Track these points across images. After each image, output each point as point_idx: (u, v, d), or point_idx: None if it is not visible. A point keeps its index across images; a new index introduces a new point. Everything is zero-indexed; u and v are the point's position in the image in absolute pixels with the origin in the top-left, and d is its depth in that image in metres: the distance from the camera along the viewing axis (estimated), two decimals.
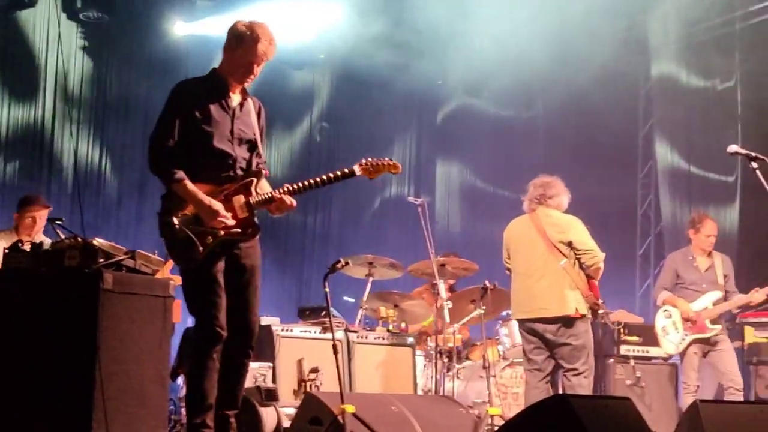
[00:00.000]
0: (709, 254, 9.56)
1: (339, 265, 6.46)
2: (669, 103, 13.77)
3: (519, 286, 8.17)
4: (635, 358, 10.11)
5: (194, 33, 12.93)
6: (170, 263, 6.69)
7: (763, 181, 6.75)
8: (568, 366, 7.88)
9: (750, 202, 12.31)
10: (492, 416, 8.24)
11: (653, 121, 14.45)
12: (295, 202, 5.74)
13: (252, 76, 5.79)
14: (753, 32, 13.36)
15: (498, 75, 14.32)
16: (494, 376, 9.01)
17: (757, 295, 9.17)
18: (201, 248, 5.50)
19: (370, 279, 9.30)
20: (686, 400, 9.22)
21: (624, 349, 10.09)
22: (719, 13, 13.03)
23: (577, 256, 7.92)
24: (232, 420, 5.74)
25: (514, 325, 9.80)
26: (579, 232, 7.98)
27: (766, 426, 5.12)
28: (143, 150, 5.82)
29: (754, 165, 6.99)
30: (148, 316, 5.66)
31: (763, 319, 10.13)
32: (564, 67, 15.41)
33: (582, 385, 7.81)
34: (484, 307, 9.11)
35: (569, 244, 7.92)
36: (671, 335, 9.44)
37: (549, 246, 7.93)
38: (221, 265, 5.62)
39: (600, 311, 8.23)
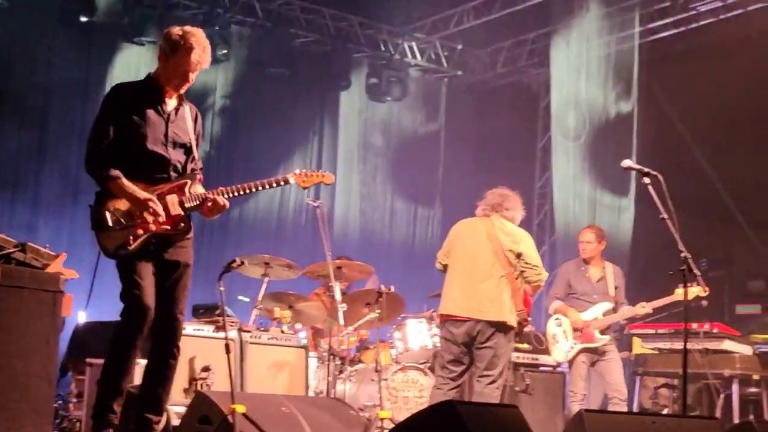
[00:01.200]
0: (602, 265, 9.66)
1: (234, 265, 6.44)
2: (567, 115, 13.98)
3: (455, 282, 8.07)
4: (525, 365, 10.22)
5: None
6: (63, 257, 6.60)
7: (655, 196, 6.89)
8: (486, 372, 7.83)
9: (643, 216, 12.59)
10: (382, 419, 8.27)
11: (551, 133, 14.65)
12: (228, 203, 5.83)
13: (187, 84, 5.82)
14: (651, 50, 13.71)
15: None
16: (386, 380, 9.05)
17: (642, 310, 9.29)
18: (132, 239, 5.56)
19: (266, 279, 9.25)
20: (573, 408, 9.34)
21: (514, 356, 10.16)
22: (619, 30, 13.32)
23: (523, 269, 7.95)
24: (156, 426, 5.73)
25: (408, 329, 9.87)
26: (530, 247, 8.05)
27: None
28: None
29: (647, 180, 7.14)
30: (36, 311, 5.58)
31: (650, 331, 10.29)
32: (466, 76, 15.64)
33: (492, 394, 7.80)
34: (378, 311, 9.11)
35: (518, 256, 7.94)
36: (561, 343, 9.54)
37: (498, 252, 7.94)
38: (153, 261, 5.68)
39: (526, 329, 8.33)
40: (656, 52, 13.90)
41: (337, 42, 14.66)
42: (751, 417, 10.32)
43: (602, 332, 9.39)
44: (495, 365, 7.82)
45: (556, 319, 9.65)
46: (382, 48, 15.19)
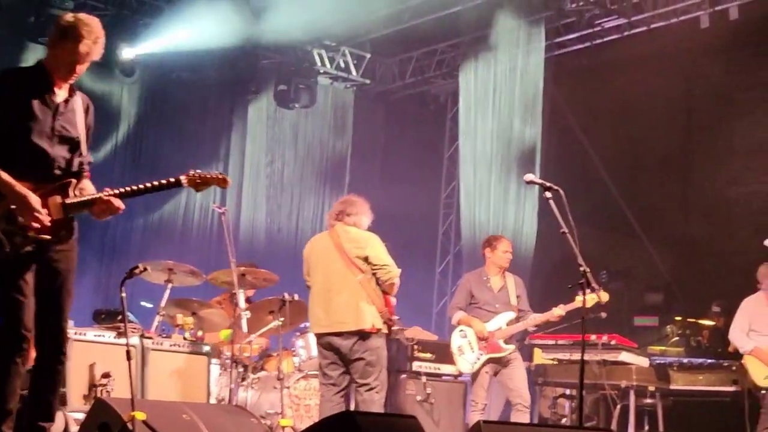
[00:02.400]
0: (503, 275, 9.73)
1: (137, 271, 6.38)
2: (474, 126, 14.12)
3: (317, 301, 8.19)
4: (427, 374, 10.29)
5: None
6: None
7: (556, 210, 7.00)
8: (361, 381, 7.93)
9: (545, 229, 12.77)
10: (284, 428, 8.32)
11: (459, 143, 14.77)
12: (122, 205, 5.51)
13: (75, 75, 5.52)
14: (557, 64, 13.93)
15: None
16: (288, 388, 9.06)
17: (558, 311, 9.29)
18: (8, 248, 5.25)
19: (169, 285, 9.18)
20: (473, 417, 9.38)
21: (416, 366, 10.25)
22: (526, 43, 13.51)
23: (373, 271, 8.00)
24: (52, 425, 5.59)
25: (311, 337, 9.87)
26: (375, 248, 8.08)
27: None
28: None
29: (548, 195, 7.26)
30: None
31: (550, 342, 10.45)
32: (374, 86, 15.71)
33: (373, 400, 7.87)
34: (282, 319, 9.13)
35: (366, 259, 8.00)
36: (467, 355, 9.54)
37: (346, 261, 8.01)
38: (33, 266, 5.39)
39: (394, 327, 8.37)
40: (562, 66, 14.13)
41: (247, 48, 14.59)
42: (646, 428, 10.56)
43: (507, 342, 9.45)
44: (369, 373, 7.92)
45: (461, 330, 9.66)
46: (292, 55, 15.16)
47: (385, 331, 8.06)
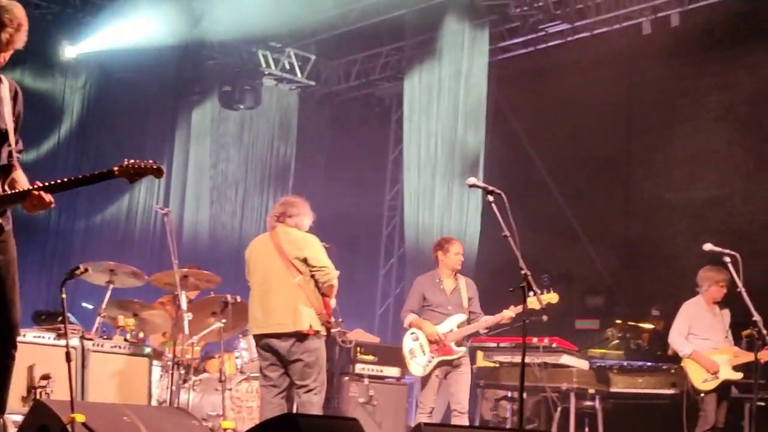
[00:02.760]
0: (455, 277, 9.68)
1: (78, 272, 6.32)
2: (418, 129, 14.16)
3: (255, 302, 8.18)
4: (369, 376, 10.31)
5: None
6: None
7: (498, 214, 7.05)
8: (300, 382, 7.93)
9: (488, 232, 12.83)
10: (225, 430, 8.28)
11: (403, 146, 14.80)
12: (52, 200, 5.26)
13: None
14: (501, 68, 14.02)
15: None
16: (230, 390, 9.05)
17: (508, 313, 9.23)
18: None
19: (111, 286, 9.11)
20: (419, 420, 9.27)
21: (359, 368, 10.27)
22: (470, 47, 13.58)
23: (312, 273, 8.00)
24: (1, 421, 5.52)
25: (253, 339, 9.86)
26: (314, 250, 8.07)
27: None
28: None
29: (490, 198, 7.31)
30: None
31: (492, 344, 10.53)
32: (319, 88, 15.71)
33: (312, 402, 7.88)
34: (224, 321, 9.10)
35: (305, 261, 7.99)
36: (418, 358, 9.44)
37: (286, 262, 8.00)
38: None
39: (333, 330, 8.37)
40: (506, 70, 14.22)
41: (191, 48, 14.52)
42: (587, 430, 10.66)
43: (458, 344, 9.39)
44: (308, 374, 7.92)
45: (412, 333, 9.57)
46: (236, 56, 15.11)
47: (323, 333, 8.05)
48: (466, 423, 9.30)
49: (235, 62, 15.12)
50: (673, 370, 10.80)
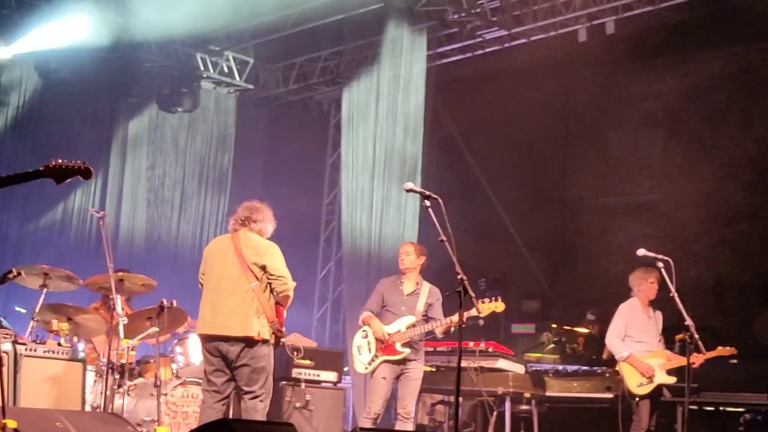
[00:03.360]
0: (417, 281, 9.53)
1: (11, 275, 6.29)
2: (356, 133, 14.18)
3: (207, 303, 8.07)
4: (306, 381, 10.30)
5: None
6: None
7: (434, 219, 7.10)
8: (246, 388, 7.85)
9: (425, 236, 12.89)
10: None
11: (341, 150, 14.80)
12: None
13: None
14: (438, 73, 14.09)
15: None
16: (165, 395, 8.97)
17: (455, 318, 9.22)
18: None
19: (45, 290, 9.00)
20: (363, 423, 9.22)
21: (296, 372, 10.24)
22: (409, 52, 13.62)
23: (269, 281, 7.94)
24: None
25: (190, 344, 9.79)
26: (274, 258, 8.01)
27: None
28: None
29: (427, 203, 7.35)
30: None
31: (429, 349, 10.53)
32: (258, 92, 15.67)
33: (257, 408, 7.80)
34: (160, 325, 9.02)
35: (263, 268, 7.93)
36: (363, 355, 9.40)
37: (243, 267, 7.92)
38: None
39: (282, 339, 8.32)
40: (444, 76, 14.30)
41: (128, 50, 14.41)
42: None
43: (403, 345, 9.26)
44: (255, 381, 7.84)
45: (363, 330, 9.51)
46: (174, 59, 15.02)
47: (272, 342, 7.97)
48: (410, 429, 9.25)
49: (173, 65, 15.02)
50: (607, 374, 10.90)
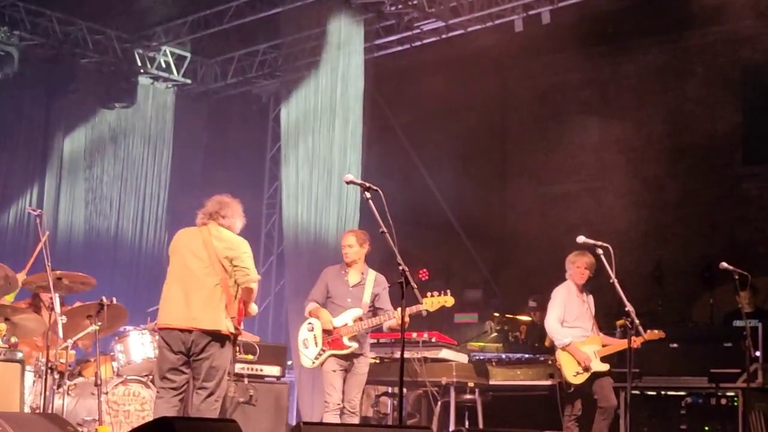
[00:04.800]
0: (363, 271, 9.42)
1: None
2: (296, 126, 14.13)
3: (173, 295, 7.87)
4: (249, 376, 10.24)
5: None
6: None
7: (375, 211, 7.11)
8: (203, 384, 7.69)
9: (367, 228, 12.89)
10: None
11: (281, 143, 14.74)
12: None
13: None
14: (377, 65, 14.09)
15: None
16: (106, 394, 8.87)
17: (398, 312, 9.12)
18: None
19: None
20: (326, 418, 9.07)
21: (239, 368, 10.17)
22: (347, 44, 13.61)
23: (234, 272, 7.81)
24: None
25: (130, 341, 9.70)
26: (243, 252, 7.88)
27: None
28: None
29: (367, 195, 7.35)
30: None
31: (372, 340, 10.49)
32: (196, 86, 15.57)
33: (210, 408, 7.65)
34: (99, 323, 8.91)
35: (231, 261, 7.80)
36: (310, 349, 9.25)
37: (213, 260, 7.78)
38: None
39: (240, 337, 8.22)
40: (382, 67, 14.29)
41: (65, 47, 14.24)
42: (467, 423, 10.75)
43: (350, 339, 9.15)
44: (213, 376, 7.69)
45: (309, 323, 9.35)
46: (111, 54, 14.87)
47: (232, 339, 7.84)
48: (355, 422, 9.12)
49: (110, 61, 14.87)
50: (550, 362, 10.97)
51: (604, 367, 9.82)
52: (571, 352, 9.78)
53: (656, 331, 9.95)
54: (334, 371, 9.19)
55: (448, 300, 9.16)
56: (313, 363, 9.28)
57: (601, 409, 9.76)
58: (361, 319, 9.23)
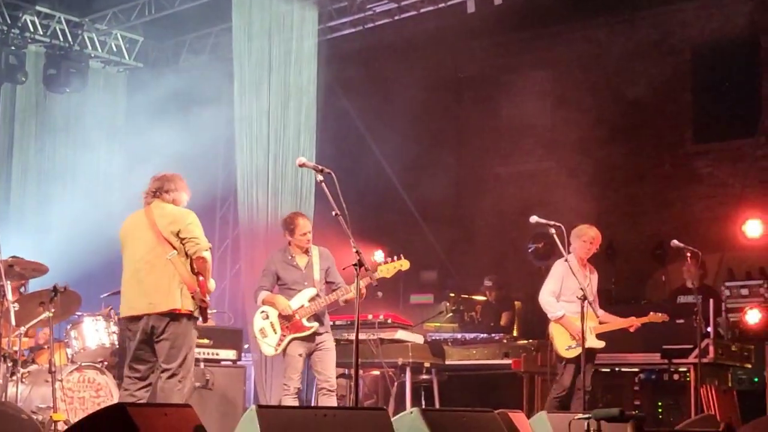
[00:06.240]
0: (307, 251, 9.38)
1: None
2: (250, 109, 14.07)
3: (128, 282, 7.79)
4: (205, 360, 10.23)
5: None
6: None
7: (328, 193, 7.15)
8: (165, 365, 7.57)
9: (322, 210, 12.89)
10: (56, 422, 8.10)
11: (234, 126, 14.66)
12: None
13: None
14: (330, 47, 14.07)
15: None
16: (61, 381, 8.80)
17: (361, 283, 9.01)
18: None
19: None
20: (286, 401, 9.04)
21: (195, 352, 10.16)
22: (300, 27, 13.57)
23: (183, 244, 7.64)
24: None
25: (84, 327, 9.66)
26: (188, 223, 7.71)
27: (317, 428, 5.37)
28: None
29: (320, 177, 7.37)
30: None
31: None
32: (148, 70, 15.45)
33: (174, 390, 7.54)
34: (53, 310, 8.85)
35: (178, 235, 7.64)
36: (269, 337, 9.16)
37: (159, 238, 7.63)
38: None
39: (211, 310, 8.12)
40: (336, 50, 14.28)
41: (13, 31, 14.08)
42: (423, 404, 10.82)
43: (309, 320, 9.09)
44: (174, 357, 7.56)
45: (262, 312, 9.26)
46: (61, 38, 14.73)
47: (197, 315, 7.71)
48: (335, 403, 9.11)
49: (59, 45, 14.73)
50: (505, 341, 11.08)
51: (599, 343, 9.69)
52: (565, 324, 9.55)
53: (659, 314, 9.95)
54: (300, 355, 9.12)
55: (404, 263, 9.15)
56: (276, 350, 9.19)
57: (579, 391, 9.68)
58: (316, 298, 9.17)
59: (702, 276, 11.85)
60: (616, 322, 9.88)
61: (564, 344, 9.62)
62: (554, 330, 9.72)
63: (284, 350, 9.16)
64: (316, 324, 9.14)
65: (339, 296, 9.17)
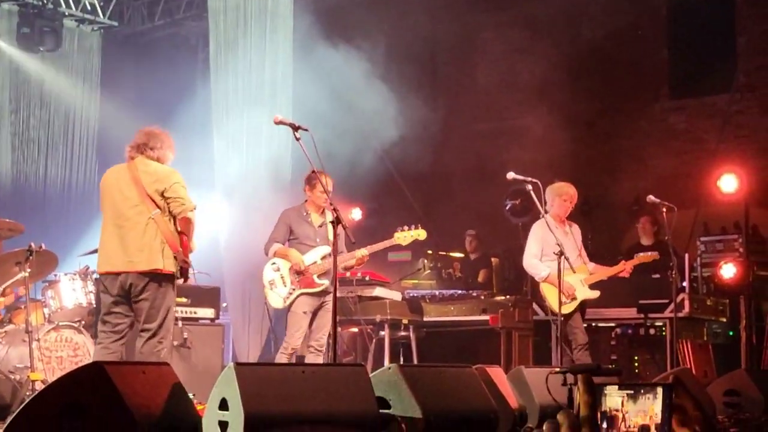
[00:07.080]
0: (323, 213, 9.37)
1: None
2: (225, 69, 13.99)
3: (108, 238, 7.63)
4: (183, 319, 10.24)
5: None
6: None
7: (304, 150, 7.15)
8: (145, 325, 7.49)
9: (301, 168, 12.87)
10: (33, 381, 8.11)
11: (210, 87, 14.57)
12: None
13: None
14: (305, 2, 13.97)
15: None
16: (38, 341, 8.80)
17: (360, 252, 9.11)
18: None
19: None
20: (279, 359, 9.13)
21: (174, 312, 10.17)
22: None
23: (167, 203, 7.54)
24: None
25: (62, 287, 9.65)
26: (174, 182, 7.57)
27: (296, 384, 5.38)
28: None
29: (297, 135, 7.36)
30: None
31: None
32: (122, 28, 15.32)
33: (153, 350, 7.47)
34: (29, 270, 8.80)
35: (163, 194, 7.52)
36: (279, 289, 9.18)
37: (143, 195, 7.49)
38: None
39: (193, 272, 8.09)
40: (311, 5, 14.15)
41: None
42: (401, 360, 10.88)
43: (320, 277, 9.14)
44: (153, 317, 7.48)
45: (273, 263, 9.27)
46: None
47: (178, 275, 7.63)
48: (320, 362, 9.05)
49: (32, 3, 14.59)
50: (482, 297, 11.12)
51: (593, 294, 9.78)
52: (553, 283, 9.42)
53: (648, 254, 10.09)
54: (305, 312, 9.17)
55: (421, 233, 9.29)
56: (284, 302, 9.22)
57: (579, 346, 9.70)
58: (329, 256, 9.10)
59: (656, 233, 11.93)
60: (607, 271, 10.00)
61: (557, 301, 9.50)
62: (546, 290, 9.72)
63: (289, 306, 9.20)
64: (326, 281, 9.14)
65: (345, 261, 9.14)
